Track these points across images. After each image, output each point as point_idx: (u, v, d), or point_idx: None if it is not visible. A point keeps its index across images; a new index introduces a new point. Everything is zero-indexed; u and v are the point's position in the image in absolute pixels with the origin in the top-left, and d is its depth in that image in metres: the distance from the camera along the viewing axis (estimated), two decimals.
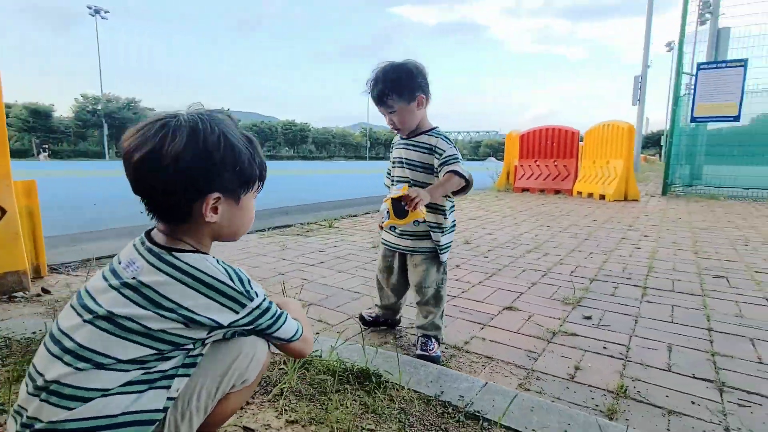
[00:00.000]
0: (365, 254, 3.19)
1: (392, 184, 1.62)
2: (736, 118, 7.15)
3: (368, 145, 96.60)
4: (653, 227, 4.45)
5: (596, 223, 4.76)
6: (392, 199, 1.34)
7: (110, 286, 0.73)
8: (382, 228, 1.61)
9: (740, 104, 7.02)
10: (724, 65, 7.13)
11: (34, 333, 1.62)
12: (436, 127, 1.54)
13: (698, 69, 7.32)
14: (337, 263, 2.91)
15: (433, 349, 1.53)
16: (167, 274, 0.73)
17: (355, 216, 5.20)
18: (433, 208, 1.51)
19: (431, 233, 1.53)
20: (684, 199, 7.43)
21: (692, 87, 7.44)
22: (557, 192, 8.31)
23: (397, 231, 1.59)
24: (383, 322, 1.79)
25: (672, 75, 11.67)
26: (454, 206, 1.60)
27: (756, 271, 2.78)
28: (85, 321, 0.71)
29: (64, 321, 0.73)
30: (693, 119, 7.50)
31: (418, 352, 1.53)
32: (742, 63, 7.00)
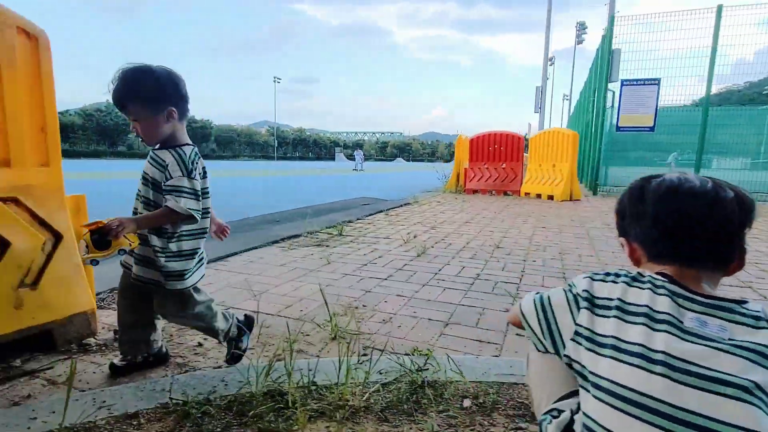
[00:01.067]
0: (419, 263, 3.08)
1: (137, 201, 1.38)
2: (652, 129, 8.36)
3: (276, 144, 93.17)
4: None
5: (576, 221, 5.21)
6: (90, 230, 1.22)
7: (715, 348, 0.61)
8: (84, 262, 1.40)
9: (655, 117, 8.23)
10: (642, 83, 8.28)
11: (167, 404, 1.27)
12: (186, 144, 1.35)
13: (622, 84, 8.40)
14: (406, 275, 2.77)
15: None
16: None
17: (350, 221, 4.99)
18: (156, 231, 1.33)
19: (155, 259, 1.32)
20: (612, 198, 8.49)
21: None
22: (506, 193, 8.91)
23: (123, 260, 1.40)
24: (144, 361, 1.48)
25: (584, 89, 13.17)
26: (194, 233, 1.38)
27: None
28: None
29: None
30: (618, 128, 8.60)
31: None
32: (656, 81, 8.21)
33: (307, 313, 2.06)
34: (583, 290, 0.75)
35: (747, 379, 0.58)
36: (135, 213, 1.37)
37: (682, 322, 0.65)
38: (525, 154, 9.14)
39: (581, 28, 36.06)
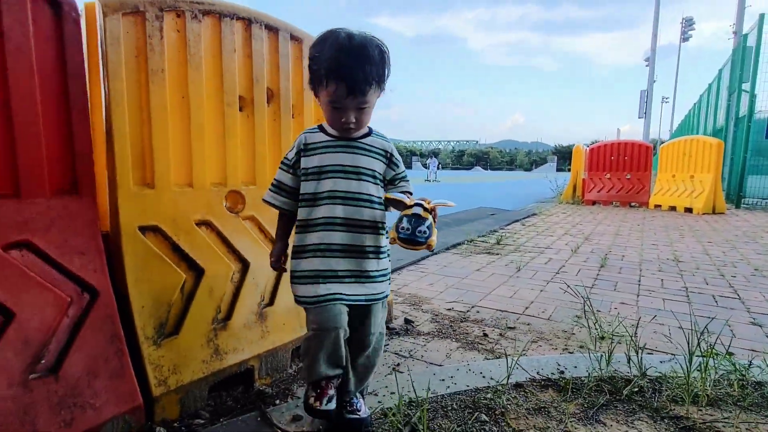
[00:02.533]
0: (609, 273, 3.15)
1: (312, 203, 1.14)
2: None
3: None
4: None
5: (740, 236, 4.86)
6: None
7: None
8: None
9: None
10: None
11: None
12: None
13: None
14: (609, 284, 2.87)
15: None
16: None
17: (494, 231, 5.16)
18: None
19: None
20: (762, 210, 7.69)
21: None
22: (631, 204, 8.48)
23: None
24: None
25: (713, 95, 12.13)
26: None
27: None
28: None
29: None
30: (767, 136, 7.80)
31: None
32: None
33: (552, 315, 2.27)
34: None
35: None
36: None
37: None
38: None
39: (688, 24, 32.89)
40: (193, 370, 1.31)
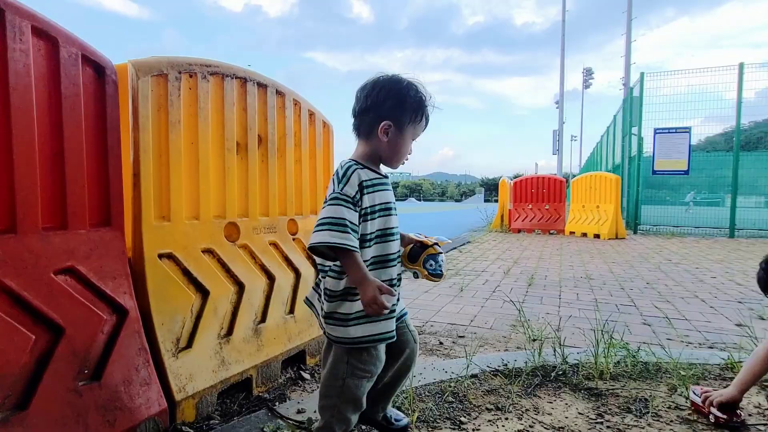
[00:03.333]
0: (536, 291, 3.69)
1: (368, 242, 1.18)
2: (686, 173, 9.06)
3: None
4: (719, 262, 5.59)
5: (637, 257, 5.79)
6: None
7: None
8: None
9: (689, 161, 8.94)
10: (674, 131, 9.07)
11: None
12: None
13: (655, 132, 9.19)
14: (536, 299, 3.38)
15: None
16: None
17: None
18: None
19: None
20: (653, 235, 9.05)
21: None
22: (550, 232, 9.52)
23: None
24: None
25: (609, 139, 14.04)
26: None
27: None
28: None
29: None
30: (654, 173, 9.30)
31: None
32: (687, 130, 8.99)
33: (493, 325, 2.69)
34: None
35: None
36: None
37: None
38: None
39: (588, 73, 37.73)
40: (205, 378, 1.51)
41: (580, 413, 1.51)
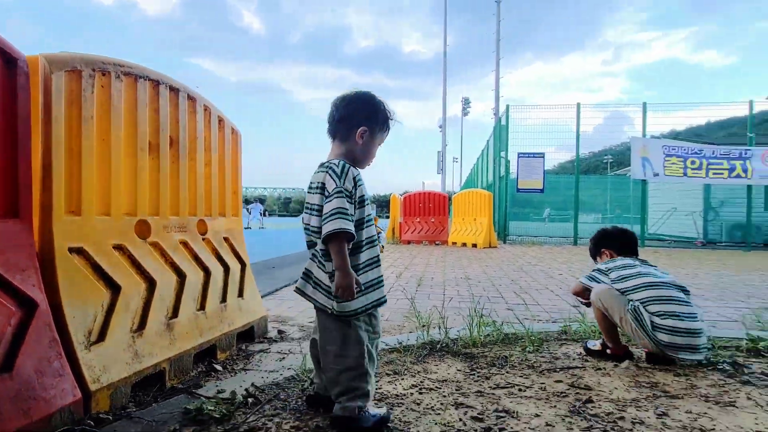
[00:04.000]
0: (424, 289, 4.16)
1: (361, 226, 1.40)
2: (542, 191, 10.78)
3: None
4: (565, 263, 6.71)
5: (505, 261, 6.77)
6: None
7: None
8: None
9: (543, 181, 10.66)
10: (533, 155, 10.75)
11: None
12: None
13: (519, 156, 10.78)
14: (424, 295, 3.83)
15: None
16: None
17: None
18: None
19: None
20: (519, 244, 10.54)
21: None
22: (436, 243, 10.45)
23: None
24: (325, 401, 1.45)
25: (485, 160, 15.89)
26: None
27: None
28: None
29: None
30: (518, 190, 10.87)
31: None
32: (542, 155, 10.74)
33: (389, 318, 3.02)
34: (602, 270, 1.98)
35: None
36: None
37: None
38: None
39: (466, 102, 42.16)
40: (119, 370, 1.53)
41: (458, 370, 1.88)
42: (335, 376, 1.35)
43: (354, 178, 1.38)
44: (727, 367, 1.87)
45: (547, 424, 1.36)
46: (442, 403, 1.53)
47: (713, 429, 1.33)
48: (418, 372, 1.86)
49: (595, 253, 2.39)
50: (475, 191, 10.40)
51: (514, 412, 1.44)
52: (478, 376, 1.81)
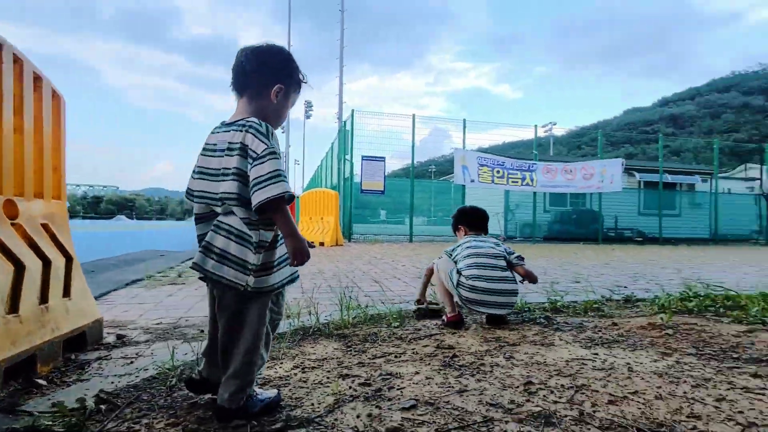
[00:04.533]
0: None
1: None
2: (383, 193, 11.62)
3: None
4: (406, 257, 7.23)
5: (354, 257, 7.08)
6: None
7: None
8: None
9: (384, 184, 11.51)
10: (375, 159, 11.50)
11: None
12: None
13: (363, 159, 11.40)
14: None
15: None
16: None
17: (172, 267, 5.23)
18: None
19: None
20: (363, 242, 11.12)
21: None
22: None
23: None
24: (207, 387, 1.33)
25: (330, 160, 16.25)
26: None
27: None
28: None
29: None
30: (362, 191, 11.47)
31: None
32: (383, 159, 11.59)
33: None
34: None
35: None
36: None
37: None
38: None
39: (308, 106, 42.52)
40: None
41: (335, 348, 1.92)
42: (233, 356, 1.23)
43: (275, 137, 1.25)
44: (543, 321, 2.38)
45: (427, 378, 1.51)
46: (328, 377, 1.54)
47: (545, 361, 1.69)
48: (296, 355, 1.83)
49: (455, 228, 2.82)
50: (322, 190, 10.57)
51: (396, 374, 1.56)
52: (355, 351, 1.88)
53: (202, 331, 2.35)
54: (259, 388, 1.34)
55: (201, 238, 1.27)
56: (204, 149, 1.29)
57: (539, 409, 1.22)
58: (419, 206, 18.01)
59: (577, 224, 14.60)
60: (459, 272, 2.37)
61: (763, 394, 1.34)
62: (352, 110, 11.68)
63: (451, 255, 2.50)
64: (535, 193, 13.25)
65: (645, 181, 16.77)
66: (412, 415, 1.20)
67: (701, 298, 2.96)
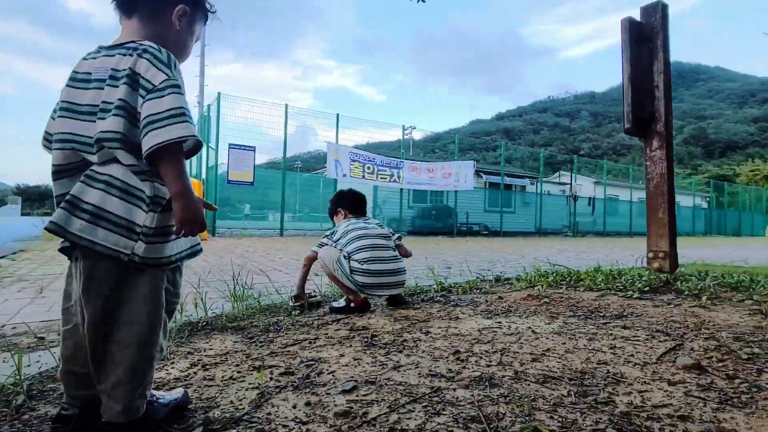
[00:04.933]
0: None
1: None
2: (252, 184, 10.90)
3: None
4: (278, 251, 6.77)
5: (223, 250, 6.46)
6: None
7: None
8: None
9: (253, 174, 10.81)
10: (244, 148, 10.71)
11: None
12: None
13: (230, 147, 10.51)
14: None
15: None
16: None
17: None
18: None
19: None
20: (228, 237, 10.25)
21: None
22: None
23: None
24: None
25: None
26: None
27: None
28: None
29: None
30: (228, 182, 10.57)
31: None
32: (253, 148, 10.87)
33: None
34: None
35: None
36: None
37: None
38: None
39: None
40: None
41: (234, 341, 1.67)
42: (115, 354, 0.90)
43: (179, 70, 0.97)
44: (441, 299, 2.47)
45: (355, 359, 1.40)
46: (239, 372, 1.31)
47: (460, 332, 1.74)
48: (190, 353, 1.52)
49: (333, 213, 2.64)
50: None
51: (320, 359, 1.41)
52: (261, 342, 1.66)
53: (42, 338, 1.82)
54: (155, 390, 1.06)
55: (63, 197, 0.91)
56: (71, 79, 0.95)
57: (478, 373, 1.23)
58: (287, 200, 17.45)
59: (436, 219, 15.97)
60: (348, 257, 2.24)
61: (638, 339, 1.60)
62: (219, 93, 10.65)
63: (334, 240, 2.37)
64: (401, 189, 14.04)
65: (489, 182, 19.29)
66: (357, 396, 1.09)
67: (555, 275, 3.47)
